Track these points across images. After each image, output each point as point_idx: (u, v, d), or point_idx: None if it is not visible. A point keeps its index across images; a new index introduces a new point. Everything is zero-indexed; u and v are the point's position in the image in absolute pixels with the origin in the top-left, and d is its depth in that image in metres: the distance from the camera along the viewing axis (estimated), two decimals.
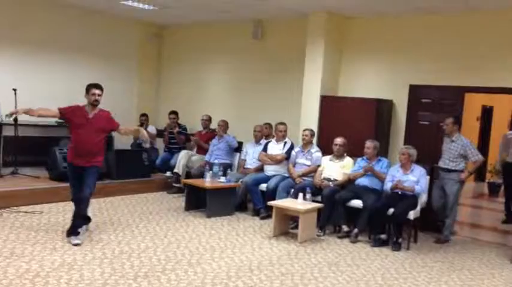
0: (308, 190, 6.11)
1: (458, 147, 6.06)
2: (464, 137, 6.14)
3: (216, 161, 7.41)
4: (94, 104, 5.10)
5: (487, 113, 11.71)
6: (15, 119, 7.12)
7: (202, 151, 8.10)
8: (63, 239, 5.06)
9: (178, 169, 7.89)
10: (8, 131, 7.34)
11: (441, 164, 6.18)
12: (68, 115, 5.09)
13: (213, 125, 8.22)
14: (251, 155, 7.43)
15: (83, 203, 5.10)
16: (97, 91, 5.09)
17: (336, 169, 6.50)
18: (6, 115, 5.10)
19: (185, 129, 8.70)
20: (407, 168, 5.99)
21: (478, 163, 6.14)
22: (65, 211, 6.20)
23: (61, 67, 8.47)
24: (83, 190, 5.06)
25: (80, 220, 5.11)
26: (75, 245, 4.90)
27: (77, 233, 5.04)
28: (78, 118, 5.07)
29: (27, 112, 4.94)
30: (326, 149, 6.76)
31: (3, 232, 5.23)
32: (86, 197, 5.10)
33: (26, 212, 6.09)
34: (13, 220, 5.72)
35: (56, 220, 5.87)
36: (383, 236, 5.80)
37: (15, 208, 6.16)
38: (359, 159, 6.46)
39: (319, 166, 6.65)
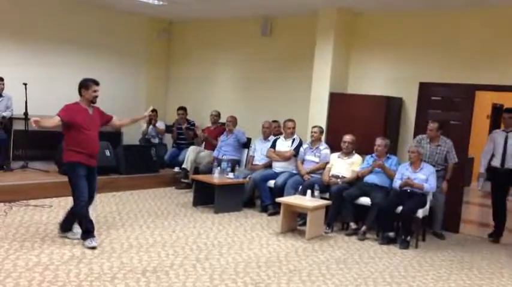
0: (316, 186, 6.11)
1: (445, 150, 6.12)
2: (445, 137, 6.17)
3: (224, 157, 7.41)
4: (94, 101, 4.85)
5: (497, 111, 11.62)
6: (26, 114, 7.19)
7: (211, 146, 8.10)
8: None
9: (187, 164, 7.91)
10: (18, 126, 7.41)
11: None
12: (71, 119, 4.68)
13: (222, 121, 8.22)
14: (259, 151, 7.42)
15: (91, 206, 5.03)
16: (98, 88, 4.85)
17: (344, 166, 6.48)
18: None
19: (194, 125, 8.70)
20: (416, 166, 5.95)
21: (454, 166, 6.17)
22: None
23: (70, 63, 8.48)
24: (93, 193, 4.96)
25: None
26: (94, 247, 4.71)
27: (93, 235, 4.86)
28: (82, 117, 4.76)
29: (37, 123, 4.49)
30: (335, 146, 6.74)
31: (13, 225, 5.27)
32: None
33: (35, 205, 6.14)
34: (23, 214, 5.77)
35: (65, 213, 5.89)
36: (391, 234, 5.78)
37: (24, 201, 6.22)
38: (368, 156, 6.44)
39: (327, 163, 6.63)
